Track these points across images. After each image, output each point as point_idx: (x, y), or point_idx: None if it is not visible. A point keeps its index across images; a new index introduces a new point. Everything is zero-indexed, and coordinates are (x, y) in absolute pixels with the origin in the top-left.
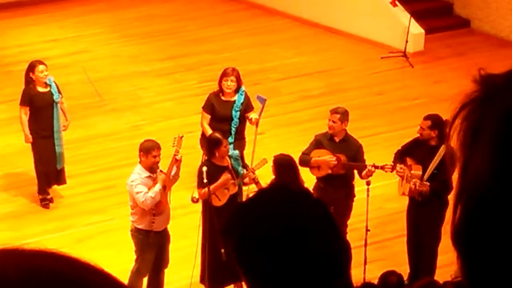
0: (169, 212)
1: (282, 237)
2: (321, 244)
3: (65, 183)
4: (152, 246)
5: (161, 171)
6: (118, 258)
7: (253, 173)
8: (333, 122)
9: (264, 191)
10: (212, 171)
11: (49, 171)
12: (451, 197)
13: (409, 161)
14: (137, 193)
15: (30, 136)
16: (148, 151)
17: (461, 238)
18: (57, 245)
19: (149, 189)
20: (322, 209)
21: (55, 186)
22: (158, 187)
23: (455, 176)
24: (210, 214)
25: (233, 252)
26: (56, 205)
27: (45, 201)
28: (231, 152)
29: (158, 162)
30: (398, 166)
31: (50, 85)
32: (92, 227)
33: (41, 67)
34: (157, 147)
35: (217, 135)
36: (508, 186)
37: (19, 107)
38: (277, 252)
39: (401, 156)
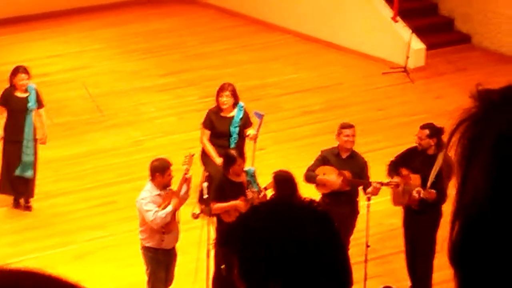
0: (178, 230)
1: (283, 245)
2: (326, 256)
3: (32, 196)
4: (162, 263)
5: (170, 189)
6: (118, 274)
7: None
8: (353, 136)
9: (265, 204)
10: (227, 186)
11: (11, 178)
12: (445, 206)
13: (404, 171)
14: (147, 211)
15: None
16: (165, 170)
17: (458, 256)
18: (57, 261)
19: (159, 206)
20: (324, 218)
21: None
22: (170, 208)
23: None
24: (220, 228)
25: (235, 268)
26: (57, 220)
27: (15, 202)
28: (247, 168)
29: (172, 178)
30: (393, 181)
31: (30, 92)
32: (92, 243)
33: (22, 75)
34: (170, 164)
35: (233, 152)
36: (505, 205)
37: None
38: (279, 261)
39: (395, 166)
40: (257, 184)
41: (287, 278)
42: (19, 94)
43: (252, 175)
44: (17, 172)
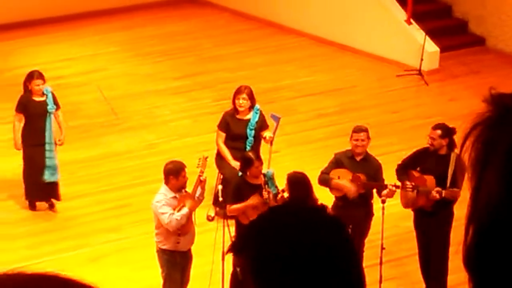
0: (194, 232)
1: (294, 253)
2: (338, 261)
3: (59, 199)
4: (178, 265)
5: (185, 191)
6: (133, 277)
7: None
8: (362, 140)
9: (276, 209)
10: (244, 188)
11: (38, 180)
12: (456, 207)
13: (416, 173)
14: (162, 214)
15: (19, 144)
16: (178, 172)
17: (472, 261)
18: (72, 263)
19: (174, 208)
20: (335, 224)
21: (59, 203)
22: (185, 210)
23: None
24: (239, 231)
25: (248, 272)
26: (71, 224)
27: (31, 205)
28: (266, 171)
29: (187, 180)
30: (408, 183)
31: (46, 95)
32: (107, 246)
33: (37, 81)
34: (185, 166)
35: (250, 155)
36: None
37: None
38: (290, 268)
39: (405, 170)
40: (276, 187)
41: (299, 281)
42: (36, 98)
43: (270, 178)
44: (46, 177)
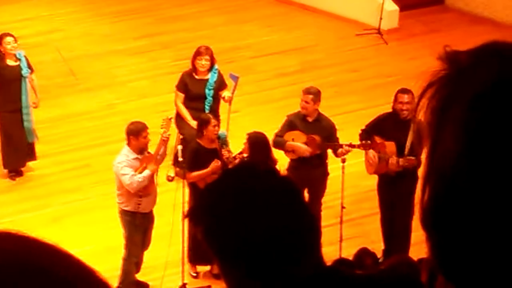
0: (156, 194)
1: (248, 218)
2: (288, 221)
3: (35, 159)
4: (139, 227)
5: (148, 152)
6: (94, 237)
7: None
8: (306, 102)
9: (229, 172)
10: (201, 154)
11: (19, 146)
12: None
13: (378, 139)
14: (123, 175)
15: None
16: (139, 133)
17: (429, 220)
18: (33, 224)
19: (136, 170)
20: (289, 187)
21: (28, 163)
22: (147, 172)
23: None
24: (195, 194)
25: (202, 236)
26: (31, 184)
27: (12, 173)
28: (219, 132)
29: (148, 142)
30: (363, 143)
31: (20, 59)
32: (67, 206)
33: (8, 38)
34: (146, 127)
35: (208, 114)
36: (477, 167)
37: None
38: (244, 233)
39: (368, 134)
40: (228, 150)
41: (251, 246)
42: (10, 62)
43: (224, 140)
44: (30, 139)
